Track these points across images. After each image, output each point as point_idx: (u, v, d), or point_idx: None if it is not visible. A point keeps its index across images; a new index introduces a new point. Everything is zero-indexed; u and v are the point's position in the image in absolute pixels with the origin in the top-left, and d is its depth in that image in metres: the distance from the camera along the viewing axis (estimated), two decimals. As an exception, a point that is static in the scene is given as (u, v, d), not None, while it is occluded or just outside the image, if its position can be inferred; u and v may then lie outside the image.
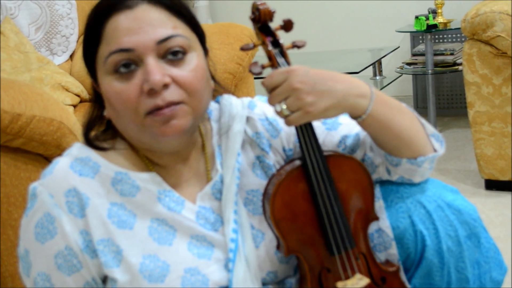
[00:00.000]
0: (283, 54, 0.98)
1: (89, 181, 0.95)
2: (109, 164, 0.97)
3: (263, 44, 0.99)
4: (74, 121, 1.47)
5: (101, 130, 1.02)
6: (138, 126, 0.92)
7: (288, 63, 0.98)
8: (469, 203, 1.07)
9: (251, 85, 2.36)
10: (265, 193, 1.00)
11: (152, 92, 0.89)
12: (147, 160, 0.99)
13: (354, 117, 0.97)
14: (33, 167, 1.42)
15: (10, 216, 1.40)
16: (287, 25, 0.98)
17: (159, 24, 0.91)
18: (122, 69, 0.90)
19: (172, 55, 0.91)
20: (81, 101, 2.32)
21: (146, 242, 0.96)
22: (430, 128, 1.05)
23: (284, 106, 0.92)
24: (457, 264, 1.05)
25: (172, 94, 0.90)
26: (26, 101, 1.35)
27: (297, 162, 0.99)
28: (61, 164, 0.96)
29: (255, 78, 2.52)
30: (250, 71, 0.94)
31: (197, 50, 0.95)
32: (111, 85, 0.91)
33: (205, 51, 1.00)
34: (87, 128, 1.00)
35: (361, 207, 1.02)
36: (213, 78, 1.04)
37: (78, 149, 0.99)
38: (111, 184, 0.96)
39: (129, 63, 0.90)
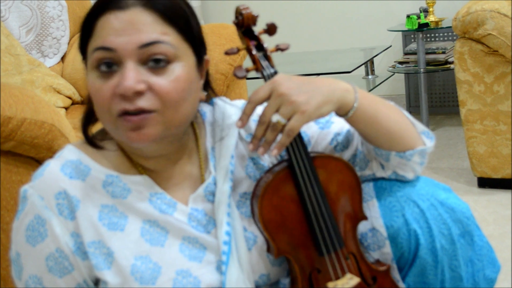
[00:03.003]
0: (267, 57, 0.99)
1: (79, 184, 0.95)
2: (100, 168, 0.97)
3: (247, 48, 0.99)
4: (66, 123, 1.46)
5: (98, 129, 1.02)
6: (112, 126, 0.92)
7: (272, 66, 0.98)
8: (462, 201, 1.08)
9: (243, 86, 2.35)
10: (253, 195, 1.00)
11: (123, 97, 0.89)
12: (138, 163, 0.99)
13: (344, 113, 0.98)
14: (25, 170, 1.41)
15: (2, 220, 1.39)
16: (271, 29, 0.98)
17: (146, 29, 0.90)
18: (103, 68, 0.91)
19: (154, 62, 0.90)
20: (72, 103, 2.31)
21: (138, 243, 0.95)
22: (420, 126, 1.06)
23: (278, 116, 0.92)
24: (451, 263, 1.05)
25: (145, 101, 0.89)
26: (17, 104, 1.34)
27: (284, 164, 0.99)
28: (51, 167, 0.96)
29: (247, 79, 2.51)
30: (235, 74, 0.95)
31: (184, 60, 0.93)
32: (92, 81, 0.92)
33: (201, 61, 0.99)
34: (85, 123, 1.00)
35: (349, 207, 1.02)
36: (210, 87, 1.05)
37: (69, 152, 0.98)
38: (102, 186, 0.96)
39: (111, 63, 0.90)
